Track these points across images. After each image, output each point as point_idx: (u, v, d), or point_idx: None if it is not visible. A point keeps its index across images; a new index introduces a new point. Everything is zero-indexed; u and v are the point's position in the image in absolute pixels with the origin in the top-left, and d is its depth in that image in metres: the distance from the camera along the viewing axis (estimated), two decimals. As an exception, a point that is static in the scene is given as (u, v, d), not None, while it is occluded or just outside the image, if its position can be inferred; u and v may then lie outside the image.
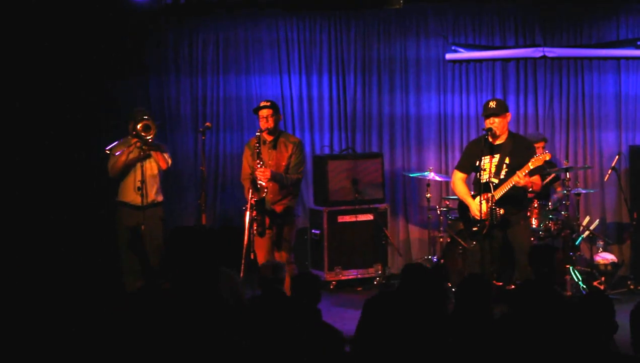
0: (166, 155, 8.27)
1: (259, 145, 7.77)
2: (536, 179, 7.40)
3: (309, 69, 10.13)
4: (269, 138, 7.90)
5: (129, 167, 8.14)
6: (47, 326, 4.85)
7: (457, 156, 9.95)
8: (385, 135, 10.29)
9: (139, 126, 8.00)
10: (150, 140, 8.06)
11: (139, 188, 7.97)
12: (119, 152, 8.14)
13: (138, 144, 8.05)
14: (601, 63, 10.25)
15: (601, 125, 10.27)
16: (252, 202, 7.68)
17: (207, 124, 8.70)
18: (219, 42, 9.96)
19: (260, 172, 7.66)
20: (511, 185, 7.26)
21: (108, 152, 8.16)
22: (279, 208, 7.86)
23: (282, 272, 6.37)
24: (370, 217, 9.49)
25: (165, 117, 9.72)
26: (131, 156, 8.10)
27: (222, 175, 10.03)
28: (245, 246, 7.63)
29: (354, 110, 10.25)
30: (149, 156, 8.16)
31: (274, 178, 7.72)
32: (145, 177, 8.00)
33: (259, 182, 7.66)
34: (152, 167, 8.23)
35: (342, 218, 9.46)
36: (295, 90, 10.10)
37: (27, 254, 8.54)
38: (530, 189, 7.51)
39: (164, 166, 8.23)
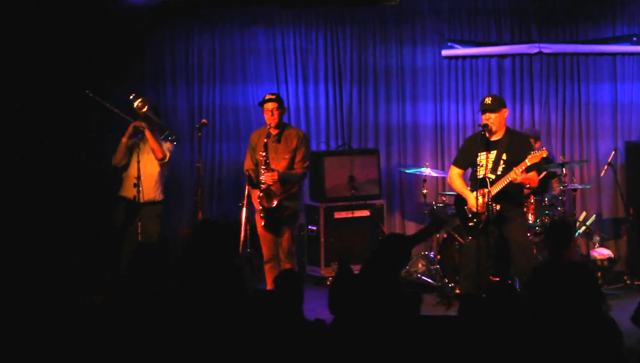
0: (165, 146, 8.26)
1: (266, 151, 7.78)
2: (533, 175, 7.39)
3: (306, 74, 10.12)
4: (274, 131, 7.90)
5: (131, 152, 8.13)
6: (47, 326, 4.84)
7: (453, 152, 9.96)
8: (381, 130, 10.28)
9: (135, 103, 8.06)
10: (145, 112, 8.06)
11: (135, 185, 7.98)
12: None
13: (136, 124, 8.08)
14: (597, 58, 10.26)
15: (597, 121, 10.28)
16: (259, 208, 7.74)
17: (204, 120, 8.67)
18: (214, 43, 9.98)
19: (269, 176, 7.69)
20: (508, 181, 7.26)
21: (88, 92, 8.14)
22: (282, 204, 7.89)
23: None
24: (366, 213, 9.48)
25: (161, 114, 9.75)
26: (130, 141, 8.12)
27: (218, 171, 10.03)
28: (242, 242, 7.66)
29: (350, 108, 10.25)
30: (142, 134, 8.14)
31: (281, 179, 7.74)
32: (141, 173, 8.00)
33: (268, 187, 7.69)
34: (151, 165, 8.23)
35: (338, 215, 9.45)
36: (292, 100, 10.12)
37: (26, 254, 8.53)
38: (528, 186, 7.50)
39: (159, 155, 8.19)
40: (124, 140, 8.18)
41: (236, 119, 9.95)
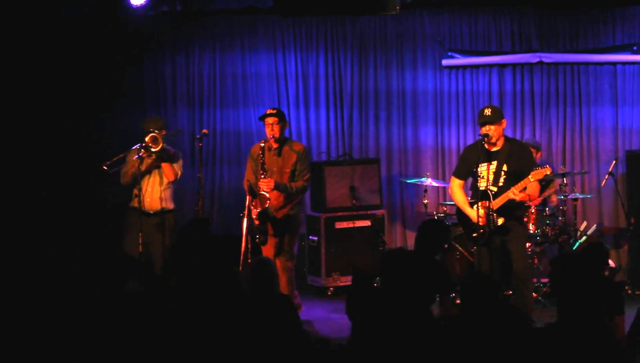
0: (176, 166, 8.27)
1: (263, 156, 7.82)
2: (533, 191, 7.38)
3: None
4: (274, 145, 7.97)
5: (139, 175, 8.13)
6: (48, 324, 4.86)
7: (454, 161, 9.96)
8: (382, 137, 10.29)
9: (147, 138, 8.02)
10: (157, 152, 8.05)
11: (135, 195, 8.00)
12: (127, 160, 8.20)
13: (145, 156, 8.05)
14: (598, 68, 10.26)
15: (598, 131, 10.26)
16: (255, 213, 7.74)
17: (204, 130, 8.69)
18: (215, 47, 10.01)
19: (264, 182, 7.74)
20: (507, 199, 7.24)
21: (105, 168, 8.10)
22: (281, 215, 7.92)
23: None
24: (367, 223, 9.47)
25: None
26: (142, 167, 8.10)
27: (219, 181, 10.04)
28: (242, 252, 7.68)
29: (351, 115, 10.26)
30: (157, 167, 8.17)
31: (277, 187, 7.79)
32: (142, 184, 8.04)
33: (262, 192, 7.71)
34: (155, 175, 8.24)
35: (339, 225, 9.45)
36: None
37: (27, 254, 8.55)
38: (529, 202, 7.49)
39: (171, 178, 8.24)
40: (136, 165, 8.06)
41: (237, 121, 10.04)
